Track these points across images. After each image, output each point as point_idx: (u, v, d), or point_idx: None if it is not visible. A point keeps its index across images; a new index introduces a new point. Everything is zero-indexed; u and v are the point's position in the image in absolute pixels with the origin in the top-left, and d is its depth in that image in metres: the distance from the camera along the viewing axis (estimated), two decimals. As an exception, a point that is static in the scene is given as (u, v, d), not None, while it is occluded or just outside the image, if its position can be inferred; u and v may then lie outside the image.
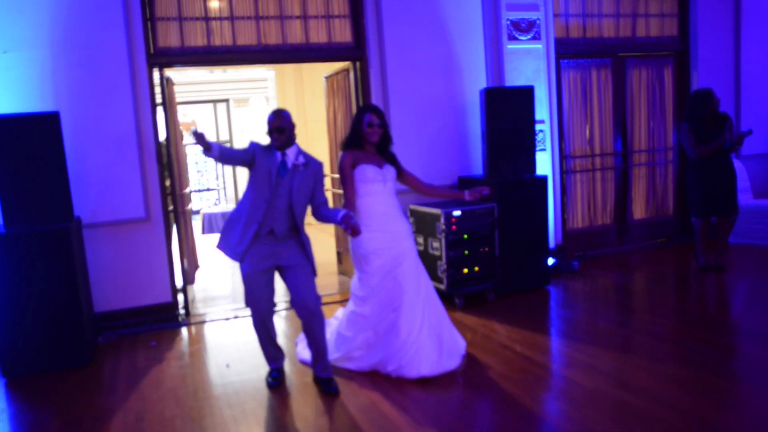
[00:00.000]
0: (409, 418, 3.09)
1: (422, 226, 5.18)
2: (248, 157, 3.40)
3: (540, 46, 5.88)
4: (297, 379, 3.74)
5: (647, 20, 6.82)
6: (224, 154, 3.31)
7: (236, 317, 5.16)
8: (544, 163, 5.91)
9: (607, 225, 6.84)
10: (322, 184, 3.58)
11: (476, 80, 5.76)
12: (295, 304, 3.45)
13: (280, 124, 3.36)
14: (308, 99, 9.43)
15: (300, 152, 3.47)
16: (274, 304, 3.55)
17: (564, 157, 6.44)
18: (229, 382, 3.77)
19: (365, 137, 3.79)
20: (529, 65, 5.84)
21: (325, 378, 3.55)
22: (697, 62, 6.89)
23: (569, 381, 3.43)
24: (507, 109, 5.28)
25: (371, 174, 3.75)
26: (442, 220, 4.90)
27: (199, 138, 3.06)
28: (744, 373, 3.50)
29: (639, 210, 7.02)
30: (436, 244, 5.02)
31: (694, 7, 6.85)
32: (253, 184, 3.43)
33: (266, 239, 3.42)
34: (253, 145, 3.46)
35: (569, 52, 6.38)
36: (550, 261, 5.68)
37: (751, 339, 4.01)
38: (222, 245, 3.54)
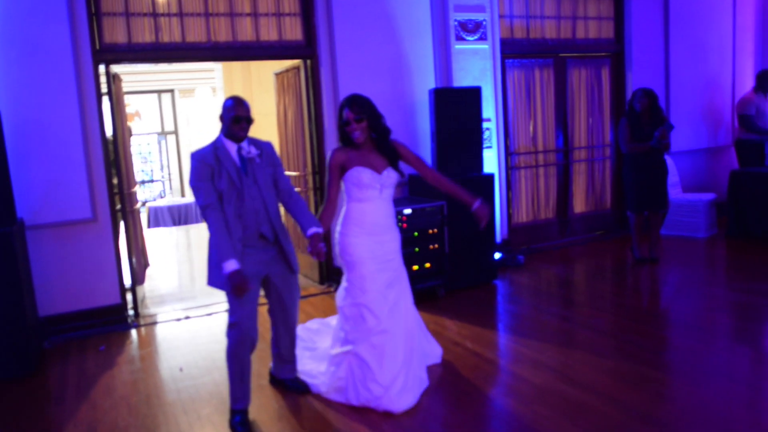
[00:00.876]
0: (359, 416, 3.19)
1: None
2: (210, 180, 2.98)
3: (486, 46, 6.04)
4: (253, 381, 3.76)
5: (586, 23, 7.08)
6: (228, 238, 2.98)
7: (188, 317, 5.12)
8: (491, 161, 6.10)
9: (549, 219, 7.12)
10: (281, 167, 3.24)
11: (425, 80, 5.87)
12: (272, 308, 3.35)
13: (249, 114, 3.05)
14: (256, 91, 9.30)
15: (249, 142, 3.11)
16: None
17: (509, 154, 6.65)
18: (183, 387, 3.72)
19: (349, 136, 3.34)
20: (476, 65, 5.99)
21: (292, 378, 3.54)
22: (632, 63, 7.23)
23: (518, 377, 3.60)
24: (455, 109, 5.42)
25: (366, 179, 3.31)
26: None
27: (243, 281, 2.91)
28: (677, 364, 3.76)
29: (579, 204, 7.33)
30: (388, 243, 5.12)
31: (628, 10, 7.17)
32: (221, 199, 3.03)
33: (257, 247, 3.11)
34: (198, 159, 2.99)
35: (514, 52, 6.57)
36: (497, 255, 5.89)
37: (682, 330, 4.30)
38: (213, 280, 3.06)
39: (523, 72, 6.73)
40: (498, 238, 6.20)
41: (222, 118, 3.08)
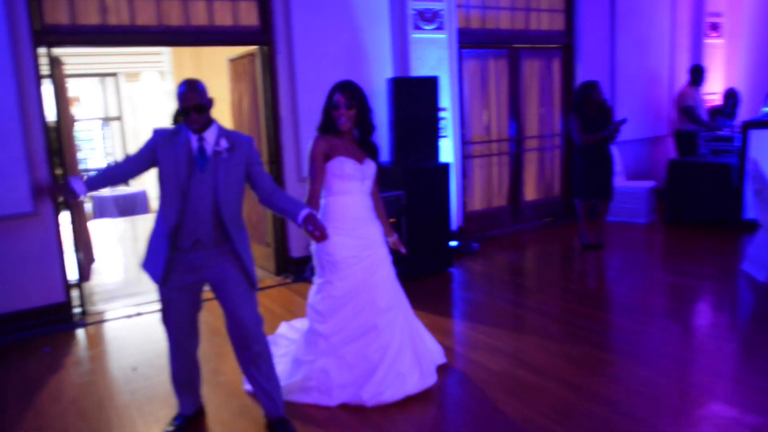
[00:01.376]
0: (317, 409, 3.20)
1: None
2: (146, 157, 2.72)
3: (444, 36, 6.07)
4: (211, 378, 3.71)
5: (539, 14, 7.21)
6: (106, 178, 2.82)
7: (139, 314, 4.93)
8: (447, 149, 6.16)
9: (502, 207, 7.26)
10: (259, 165, 2.86)
11: (383, 69, 5.86)
12: (229, 329, 2.87)
13: (199, 100, 2.65)
14: (207, 75, 9.06)
15: (221, 133, 2.74)
16: (197, 332, 2.97)
17: (464, 143, 6.74)
18: (137, 388, 3.56)
19: (334, 122, 3.14)
20: (433, 54, 6.02)
21: (277, 418, 2.94)
22: (580, 55, 7.41)
23: (475, 363, 3.68)
24: (413, 98, 5.44)
25: (349, 169, 3.14)
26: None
27: (62, 192, 2.67)
28: (624, 345, 3.93)
29: (530, 192, 7.50)
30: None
31: (578, 4, 7.34)
32: (160, 187, 2.75)
33: (191, 251, 2.75)
34: (154, 136, 2.74)
35: (470, 42, 6.62)
36: (453, 243, 5.97)
37: (627, 312, 4.49)
38: (145, 263, 2.87)
39: (478, 62, 6.81)
40: (453, 226, 6.28)
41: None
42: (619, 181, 7.46)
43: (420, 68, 5.92)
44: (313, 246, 3.20)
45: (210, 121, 2.73)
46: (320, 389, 3.18)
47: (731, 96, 7.90)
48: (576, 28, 7.38)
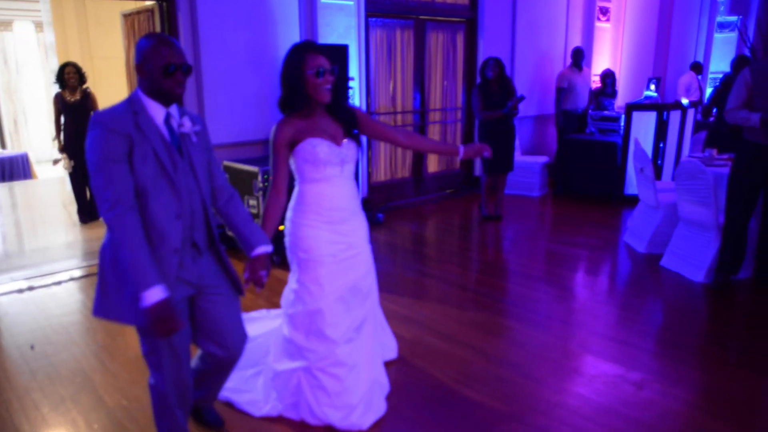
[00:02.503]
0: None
1: (236, 183, 5.14)
2: (124, 155, 1.97)
3: (352, 2, 6.02)
4: (121, 354, 3.57)
5: (445, -13, 7.33)
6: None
7: (31, 288, 4.62)
8: (354, 120, 6.16)
9: (405, 178, 7.41)
10: (214, 153, 2.33)
11: (290, 34, 5.73)
12: (211, 344, 2.34)
13: (185, 60, 2.07)
14: (94, 30, 8.41)
15: (182, 111, 2.17)
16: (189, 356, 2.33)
17: (370, 113, 6.77)
18: (38, 367, 3.36)
19: (314, 95, 2.55)
20: (342, 21, 5.96)
21: (206, 407, 2.73)
22: (483, 31, 7.63)
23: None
24: (322, 67, 5.37)
25: (324, 153, 2.59)
26: (260, 177, 4.91)
27: None
28: (523, 311, 4.20)
29: (432, 164, 7.71)
30: (253, 202, 5.03)
31: (482, -22, 7.53)
32: (138, 184, 2.01)
33: (190, 264, 2.20)
34: (109, 124, 1.96)
35: (377, 11, 6.62)
36: (358, 214, 6.04)
37: (522, 280, 4.79)
38: (110, 310, 2.11)
39: (385, 32, 6.83)
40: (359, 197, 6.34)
41: (141, 66, 2.05)
42: (516, 156, 7.84)
43: (328, 35, 5.86)
44: (287, 240, 2.73)
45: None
46: (300, 407, 2.78)
47: (608, 76, 8.45)
48: (480, 3, 7.57)
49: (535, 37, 8.27)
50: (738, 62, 7.00)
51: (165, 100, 2.07)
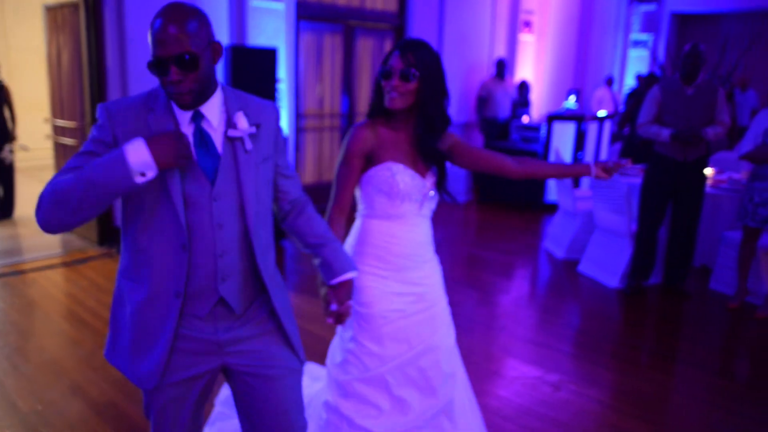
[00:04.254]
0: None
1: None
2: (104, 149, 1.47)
3: (282, 6, 5.97)
4: (36, 357, 3.38)
5: (375, -6, 7.40)
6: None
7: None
8: (282, 122, 6.11)
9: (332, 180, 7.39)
10: (285, 154, 1.73)
11: (219, 35, 5.62)
12: None
13: (185, 48, 1.40)
14: (11, 20, 7.90)
15: (234, 102, 1.56)
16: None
17: (299, 116, 6.73)
18: None
19: (380, 97, 2.02)
20: (271, 24, 5.90)
21: None
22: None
23: (311, 334, 3.79)
24: (251, 68, 5.30)
25: (405, 185, 2.02)
26: (185, 178, 4.79)
27: None
28: (455, 319, 4.29)
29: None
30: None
31: (410, -14, 7.66)
32: (129, 213, 1.54)
33: (207, 320, 1.57)
34: (106, 114, 1.49)
35: (307, 14, 6.59)
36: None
37: (450, 285, 4.89)
38: (115, 355, 1.61)
39: (314, 36, 6.81)
40: (287, 199, 6.29)
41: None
42: (441, 161, 8.00)
43: (257, 37, 5.78)
44: None
45: (210, 86, 1.49)
46: None
47: (523, 87, 8.76)
48: (408, 11, 7.68)
49: (462, 46, 8.48)
50: (648, 79, 7.44)
51: (177, 103, 1.48)
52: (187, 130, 1.50)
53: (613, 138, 8.00)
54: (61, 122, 5.67)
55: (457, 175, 7.79)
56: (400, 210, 2.07)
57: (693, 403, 3.21)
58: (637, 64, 11.47)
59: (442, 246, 6.06)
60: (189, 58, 1.40)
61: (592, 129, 7.30)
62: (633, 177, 5.22)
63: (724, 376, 3.56)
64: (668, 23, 12.13)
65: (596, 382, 3.34)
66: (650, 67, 10.60)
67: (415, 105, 1.99)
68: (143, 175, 1.38)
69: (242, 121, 1.53)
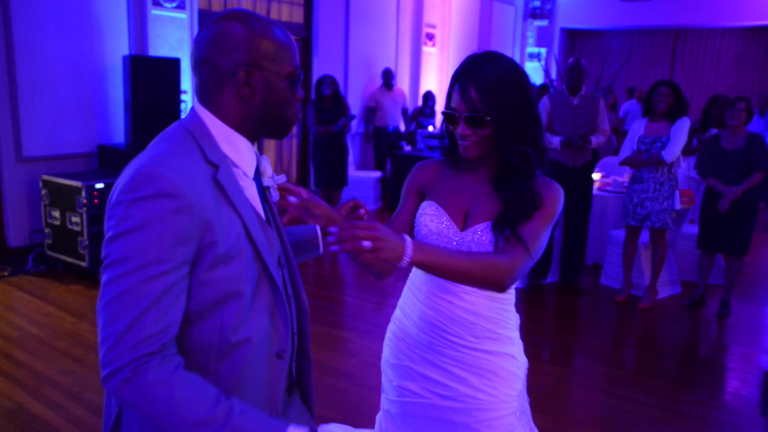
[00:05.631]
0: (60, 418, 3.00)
1: (59, 200, 4.76)
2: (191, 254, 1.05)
3: (185, 15, 5.88)
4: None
5: (280, 5, 7.41)
6: None
7: None
8: (187, 134, 6.00)
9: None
10: None
11: (119, 44, 5.44)
12: None
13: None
14: None
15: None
16: None
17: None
18: None
19: (454, 144, 1.56)
20: (174, 34, 5.79)
21: None
22: (317, 49, 7.84)
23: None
24: (152, 79, 5.18)
25: (426, 227, 1.58)
26: (83, 193, 4.60)
27: None
28: (355, 322, 4.40)
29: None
30: (76, 219, 4.69)
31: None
32: (228, 280, 1.10)
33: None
34: (173, 191, 1.02)
35: (211, 24, 6.51)
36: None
37: (356, 292, 5.02)
38: None
39: (219, 46, 6.72)
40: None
41: (254, 71, 1.17)
42: (350, 171, 8.10)
43: (160, 47, 5.66)
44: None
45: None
46: None
47: (428, 98, 9.04)
48: (314, 22, 7.76)
49: (367, 57, 8.65)
50: (541, 90, 7.91)
51: (276, 133, 1.25)
52: (251, 186, 1.21)
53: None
54: None
55: (365, 184, 7.92)
56: None
57: (586, 392, 3.47)
58: (533, 75, 12.13)
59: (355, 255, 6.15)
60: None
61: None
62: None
63: (614, 365, 3.86)
64: (559, 38, 12.95)
65: (499, 378, 3.53)
66: (544, 78, 11.25)
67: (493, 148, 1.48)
68: None
69: (269, 168, 1.30)
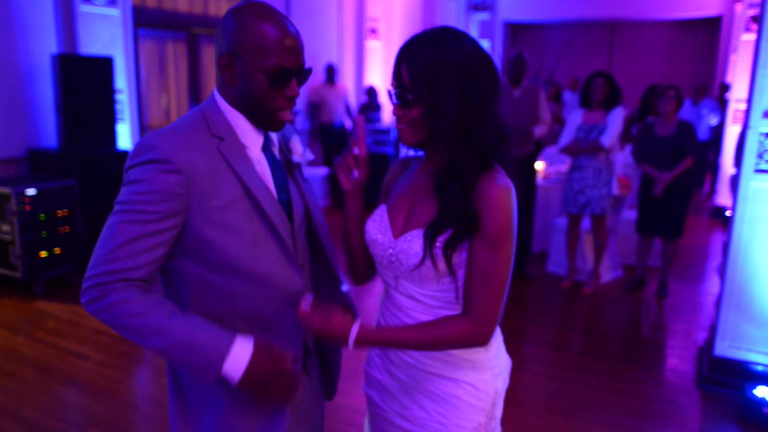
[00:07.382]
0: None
1: (-14, 206, 4.53)
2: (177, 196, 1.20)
3: (117, 12, 5.66)
4: None
5: (218, 0, 7.25)
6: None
7: None
8: (125, 134, 5.81)
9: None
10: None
11: (46, 42, 5.20)
12: None
13: (303, 60, 1.35)
14: None
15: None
16: None
17: (143, 127, 6.44)
18: None
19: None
20: (106, 31, 5.58)
21: None
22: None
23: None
24: (84, 79, 4.99)
25: (369, 235, 1.47)
26: (13, 200, 4.40)
27: None
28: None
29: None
30: (6, 228, 4.47)
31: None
32: (232, 251, 1.24)
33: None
34: (168, 158, 1.19)
35: (146, 21, 6.32)
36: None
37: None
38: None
39: (156, 44, 6.55)
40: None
41: (231, 59, 1.25)
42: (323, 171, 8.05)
43: (91, 45, 5.44)
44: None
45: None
46: None
47: (371, 92, 9.01)
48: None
49: (309, 52, 8.47)
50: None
51: (264, 124, 1.32)
52: (260, 156, 1.33)
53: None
54: None
55: (312, 180, 7.85)
56: (379, 272, 1.47)
57: (535, 377, 3.53)
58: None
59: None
60: (309, 71, 1.37)
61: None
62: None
63: (560, 349, 3.95)
64: (501, 31, 13.14)
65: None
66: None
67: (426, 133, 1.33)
68: (220, 377, 1.18)
69: (299, 146, 1.41)
